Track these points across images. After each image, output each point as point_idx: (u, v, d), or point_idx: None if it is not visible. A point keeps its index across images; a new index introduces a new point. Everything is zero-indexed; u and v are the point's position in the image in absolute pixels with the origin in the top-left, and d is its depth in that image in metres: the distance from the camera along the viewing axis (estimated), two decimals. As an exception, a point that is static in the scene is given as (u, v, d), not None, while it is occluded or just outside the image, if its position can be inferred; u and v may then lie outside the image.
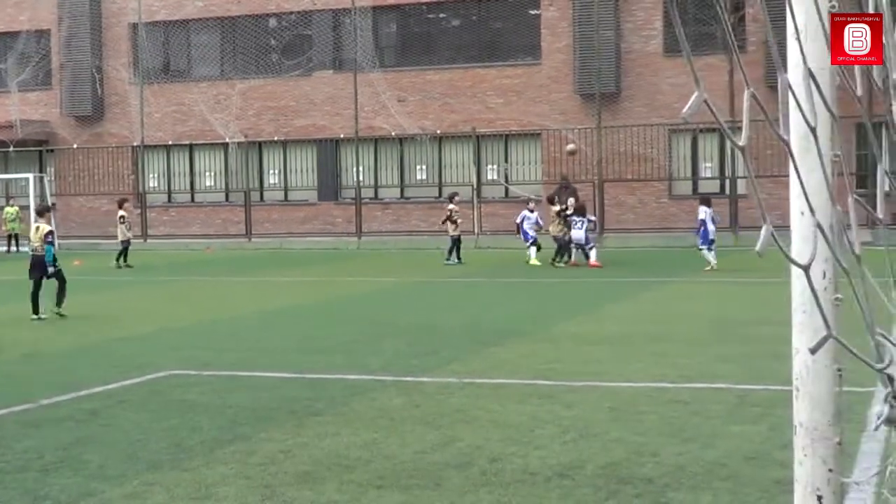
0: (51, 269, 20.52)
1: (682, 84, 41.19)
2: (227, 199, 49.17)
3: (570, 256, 31.31)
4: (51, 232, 21.10)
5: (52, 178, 50.23)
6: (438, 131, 45.50)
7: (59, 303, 20.71)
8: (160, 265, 35.19)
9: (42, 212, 22.17)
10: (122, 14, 50.14)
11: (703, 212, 29.00)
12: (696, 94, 2.47)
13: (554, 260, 30.88)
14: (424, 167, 46.78)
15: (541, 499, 8.29)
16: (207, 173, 50.04)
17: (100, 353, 16.23)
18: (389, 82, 45.57)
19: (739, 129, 2.77)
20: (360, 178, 46.42)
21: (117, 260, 34.01)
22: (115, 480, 8.91)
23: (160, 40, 50.00)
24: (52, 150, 51.46)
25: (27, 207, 44.56)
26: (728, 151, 41.31)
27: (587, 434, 10.26)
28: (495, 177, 45.79)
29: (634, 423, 10.72)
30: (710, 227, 28.80)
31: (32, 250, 21.18)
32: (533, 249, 31.69)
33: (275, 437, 10.29)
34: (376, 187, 47.50)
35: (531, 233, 32.05)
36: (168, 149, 50.01)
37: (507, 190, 44.93)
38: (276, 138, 48.21)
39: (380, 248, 41.15)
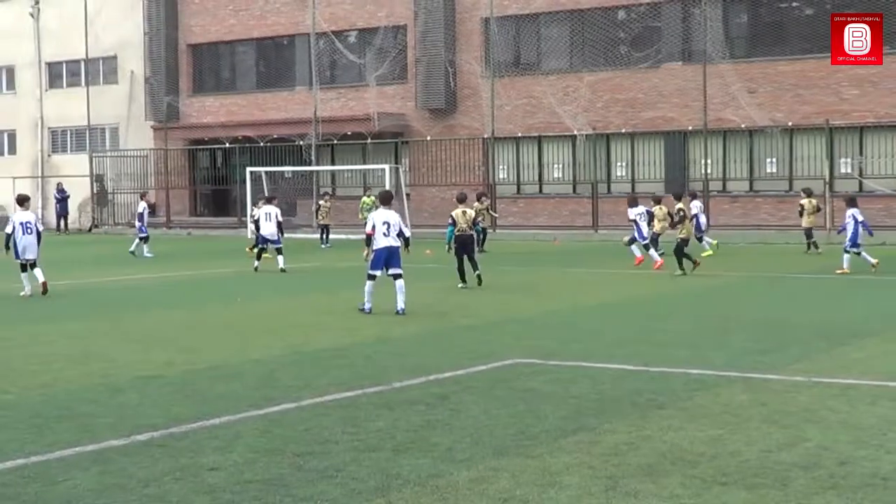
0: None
1: None
2: (574, 190, 49.55)
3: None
4: (477, 215, 25.06)
5: (406, 169, 51.96)
6: (790, 123, 44.36)
7: (477, 273, 24.94)
8: (507, 255, 35.84)
9: (463, 199, 26.51)
10: (474, 9, 51.30)
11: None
12: None
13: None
14: (774, 160, 45.71)
15: (892, 505, 8.02)
16: (555, 165, 50.57)
17: (448, 340, 16.72)
18: (739, 73, 44.78)
19: None
20: (708, 170, 45.84)
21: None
22: (463, 464, 9.18)
23: (511, 34, 50.86)
24: (406, 142, 53.23)
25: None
26: None
27: (944, 440, 9.83)
28: (849, 170, 44.25)
29: None
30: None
31: (460, 231, 24.95)
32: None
33: (618, 429, 10.34)
34: (724, 180, 46.77)
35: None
36: (517, 141, 50.83)
37: (860, 184, 43.35)
38: (623, 130, 48.20)
39: (727, 241, 40.44)
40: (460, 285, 24.74)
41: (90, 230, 58.76)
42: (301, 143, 54.02)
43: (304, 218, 51.37)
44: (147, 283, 27.89)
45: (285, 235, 33.03)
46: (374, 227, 20.07)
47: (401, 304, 19.93)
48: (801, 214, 34.88)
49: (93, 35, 60.18)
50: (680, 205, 28.43)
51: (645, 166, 48.45)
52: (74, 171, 62.62)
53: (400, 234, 20.21)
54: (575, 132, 48.33)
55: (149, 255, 36.97)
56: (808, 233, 34.35)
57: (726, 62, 44.77)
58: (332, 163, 55.76)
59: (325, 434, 10.27)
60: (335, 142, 54.15)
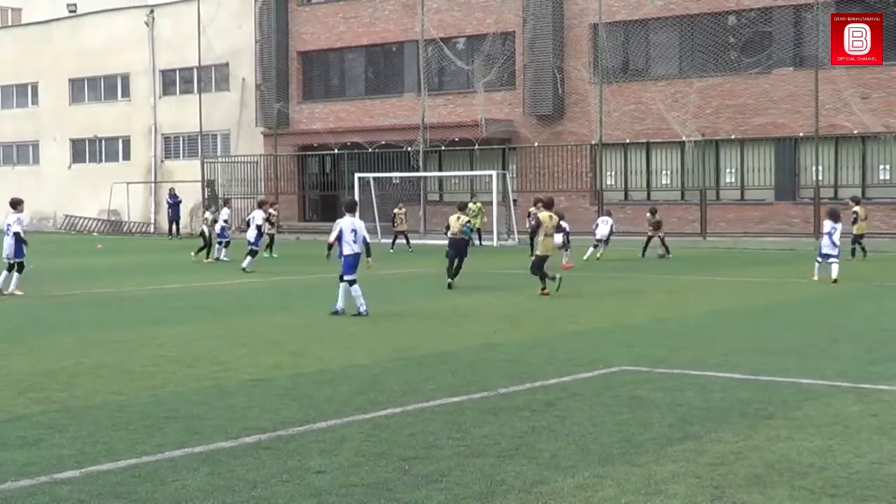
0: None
1: None
2: (682, 197, 49.16)
3: None
4: (468, 222, 27.60)
5: (514, 176, 51.95)
6: (905, 129, 43.55)
7: (455, 275, 26.43)
8: (615, 261, 35.65)
9: (462, 207, 28.17)
10: (583, 15, 51.13)
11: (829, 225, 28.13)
12: None
13: None
14: (888, 167, 44.91)
15: None
16: (664, 171, 50.22)
17: (554, 347, 16.67)
18: (852, 79, 44.07)
19: None
20: (820, 177, 45.17)
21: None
22: (568, 471, 9.15)
23: (619, 40, 50.60)
24: (513, 149, 53.22)
25: (489, 203, 46.38)
26: None
27: None
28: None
29: None
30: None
31: (452, 234, 26.86)
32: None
33: (725, 438, 10.23)
34: (836, 187, 46.06)
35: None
36: (625, 147, 50.57)
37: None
38: (733, 137, 47.71)
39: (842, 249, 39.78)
40: (448, 281, 26.28)
41: (200, 234, 59.55)
42: (409, 149, 54.30)
43: (413, 223, 51.56)
44: (253, 287, 28.21)
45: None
46: (340, 234, 20.92)
47: (340, 305, 20.96)
48: (854, 222, 35.11)
49: (205, 43, 61.11)
50: (533, 209, 27.55)
51: (754, 173, 47.90)
52: (186, 176, 63.68)
53: (364, 242, 21.11)
54: (683, 138, 47.96)
55: (225, 259, 37.57)
56: (859, 239, 34.81)
57: (838, 67, 44.06)
58: (440, 169, 55.97)
59: (430, 439, 10.31)
60: (443, 148, 54.33)
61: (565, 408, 11.79)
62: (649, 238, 38.17)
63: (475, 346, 16.81)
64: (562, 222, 33.05)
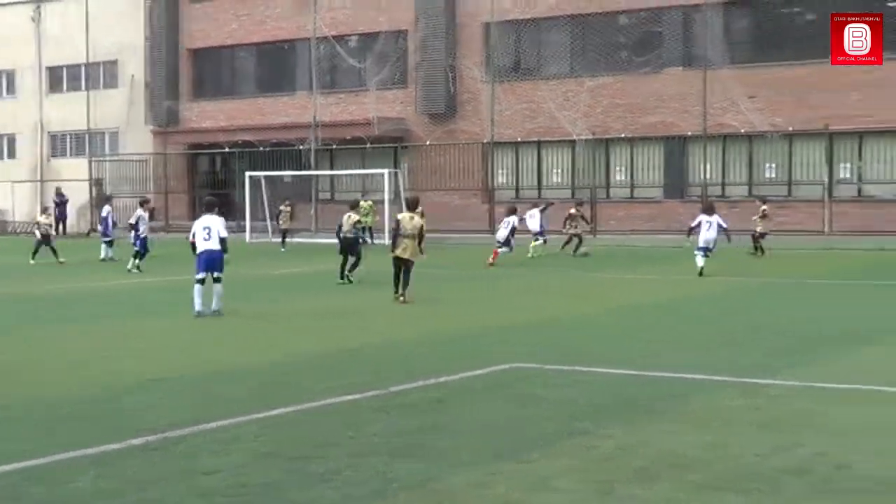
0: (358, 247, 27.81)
1: None
2: (573, 195, 49.49)
3: None
4: (358, 221, 28.58)
5: (406, 174, 51.95)
6: (790, 128, 44.36)
7: (352, 270, 27.31)
8: (507, 261, 35.82)
9: (354, 206, 29.34)
10: (475, 14, 51.31)
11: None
12: None
13: None
14: (774, 165, 45.75)
15: (885, 510, 8.04)
16: (555, 170, 50.60)
17: (447, 345, 16.75)
18: (740, 78, 44.76)
19: None
20: (708, 175, 45.88)
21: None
22: (459, 468, 9.21)
23: (511, 39, 50.85)
24: (406, 147, 53.24)
25: (381, 202, 46.32)
26: None
27: (938, 445, 9.85)
28: (848, 175, 44.28)
29: None
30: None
31: (344, 233, 27.54)
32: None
33: (614, 434, 10.37)
34: (723, 185, 46.80)
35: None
36: (517, 146, 50.85)
37: (859, 189, 43.41)
38: (623, 135, 48.22)
39: (726, 246, 40.45)
40: (338, 281, 27.03)
41: (88, 234, 58.71)
42: (301, 147, 54.06)
43: (305, 222, 51.33)
44: (147, 288, 27.92)
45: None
46: (194, 233, 21.01)
47: (216, 306, 20.71)
48: (762, 219, 36.44)
49: (93, 39, 60.23)
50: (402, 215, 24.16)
51: (644, 171, 48.49)
52: (74, 175, 62.63)
53: (220, 239, 20.85)
54: (574, 137, 48.37)
55: (114, 259, 36.89)
56: (762, 236, 36.24)
57: (727, 67, 44.79)
58: (332, 167, 55.80)
59: (322, 438, 10.31)
60: (335, 146, 54.18)
61: (457, 405, 11.86)
62: (570, 236, 38.38)
63: (370, 344, 16.80)
64: (512, 217, 35.09)
